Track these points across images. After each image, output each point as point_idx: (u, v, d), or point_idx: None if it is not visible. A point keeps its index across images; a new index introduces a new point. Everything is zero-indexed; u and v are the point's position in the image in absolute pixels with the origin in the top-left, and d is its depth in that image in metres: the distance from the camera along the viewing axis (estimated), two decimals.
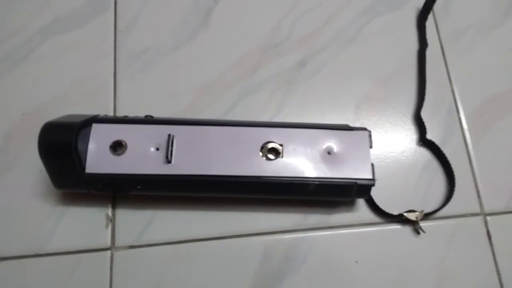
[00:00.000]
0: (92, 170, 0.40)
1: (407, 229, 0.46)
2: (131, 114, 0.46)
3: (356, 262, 0.44)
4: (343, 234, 0.46)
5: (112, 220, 0.45)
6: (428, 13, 0.54)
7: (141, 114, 0.45)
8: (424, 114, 0.50)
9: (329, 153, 0.42)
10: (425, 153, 0.49)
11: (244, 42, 0.53)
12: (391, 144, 0.49)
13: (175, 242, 0.45)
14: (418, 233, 0.45)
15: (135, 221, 0.45)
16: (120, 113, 0.49)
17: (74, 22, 0.53)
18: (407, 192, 0.47)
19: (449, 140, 0.49)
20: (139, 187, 0.42)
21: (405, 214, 0.45)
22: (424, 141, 0.49)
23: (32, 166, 0.46)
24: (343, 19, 0.54)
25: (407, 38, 0.54)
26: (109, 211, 0.45)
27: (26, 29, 0.52)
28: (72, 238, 0.44)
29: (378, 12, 0.55)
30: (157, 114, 0.46)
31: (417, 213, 0.45)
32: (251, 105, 0.50)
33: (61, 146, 0.40)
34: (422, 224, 0.45)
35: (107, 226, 0.45)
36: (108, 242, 0.44)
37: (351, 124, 0.45)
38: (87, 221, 0.45)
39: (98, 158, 0.41)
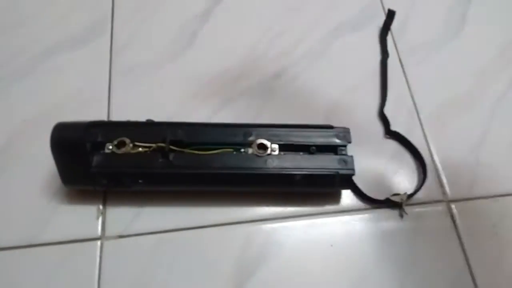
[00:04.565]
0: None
1: (391, 213, 0.50)
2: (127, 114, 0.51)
3: (331, 245, 0.48)
4: (323, 221, 0.49)
5: (103, 213, 0.48)
6: (388, 28, 0.61)
7: (136, 113, 0.50)
8: (388, 113, 0.55)
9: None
10: (391, 144, 0.54)
11: (226, 58, 0.59)
12: (361, 139, 0.53)
13: (161, 232, 0.48)
14: (402, 216, 0.49)
15: (124, 213, 0.48)
16: (116, 112, 0.54)
17: (75, 43, 0.59)
18: (380, 179, 0.51)
19: (411, 136, 0.54)
20: (140, 181, 0.46)
21: (390, 197, 0.49)
22: (389, 133, 0.54)
23: (30, 166, 0.50)
24: (313, 37, 0.62)
25: (369, 53, 0.61)
26: (100, 205, 0.49)
27: (32, 49, 0.58)
28: (65, 229, 0.47)
29: (344, 31, 0.62)
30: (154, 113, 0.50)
31: (401, 195, 0.49)
32: (234, 110, 0.55)
33: (72, 143, 0.44)
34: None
35: (98, 218, 0.48)
36: (98, 233, 0.47)
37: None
38: (80, 214, 0.48)
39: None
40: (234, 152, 0.47)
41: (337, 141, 0.48)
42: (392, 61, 0.60)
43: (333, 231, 0.49)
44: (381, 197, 0.50)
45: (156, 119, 0.50)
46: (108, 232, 0.47)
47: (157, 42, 0.60)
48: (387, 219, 0.49)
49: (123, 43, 0.60)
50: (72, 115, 0.51)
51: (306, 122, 0.52)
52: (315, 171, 0.46)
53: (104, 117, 0.54)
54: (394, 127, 0.54)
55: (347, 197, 0.50)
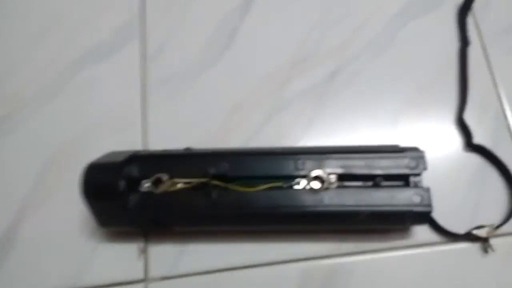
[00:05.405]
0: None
1: (472, 248, 0.42)
2: (162, 141, 0.47)
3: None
4: (390, 258, 0.42)
5: (144, 252, 0.44)
6: (468, 8, 0.50)
7: (172, 142, 0.45)
8: (468, 119, 0.46)
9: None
10: (474, 159, 0.45)
11: (271, 58, 0.51)
12: (436, 152, 0.45)
13: (209, 272, 0.43)
14: (487, 251, 0.41)
15: (167, 252, 0.44)
16: (152, 142, 0.48)
17: (102, 53, 0.53)
18: (459, 204, 0.43)
19: (498, 148, 0.44)
20: (181, 223, 0.42)
21: (474, 231, 0.41)
22: (471, 145, 0.45)
23: (66, 200, 0.46)
24: (374, 26, 0.52)
25: (445, 39, 0.50)
26: (142, 243, 0.45)
27: (56, 63, 0.53)
28: (106, 271, 0.44)
29: (412, 15, 0.52)
30: (189, 140, 0.45)
31: (487, 228, 0.41)
32: (281, 123, 0.48)
33: (105, 187, 0.40)
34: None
35: (139, 258, 0.44)
36: (141, 274, 0.44)
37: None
38: (120, 254, 0.44)
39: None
40: (284, 186, 0.40)
41: (409, 169, 0.39)
42: (474, 51, 0.49)
43: (403, 269, 0.42)
44: (461, 227, 0.42)
45: (197, 142, 0.45)
46: (151, 274, 0.44)
47: (193, 44, 0.53)
48: (468, 255, 0.42)
49: (156, 48, 0.53)
50: (104, 142, 0.47)
51: (368, 136, 0.45)
52: (384, 208, 0.38)
53: (139, 142, 0.48)
54: (477, 138, 0.45)
55: (418, 229, 0.43)
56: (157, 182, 0.41)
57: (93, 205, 0.41)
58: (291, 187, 0.40)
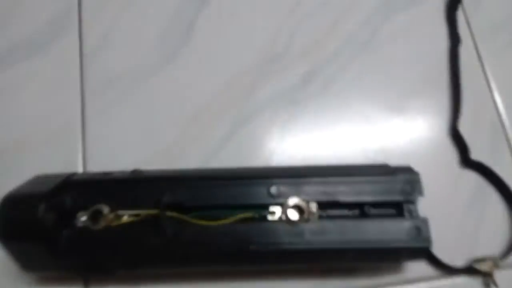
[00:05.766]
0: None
1: (472, 283, 0.37)
2: (103, 161, 0.39)
3: None
4: None
5: None
6: (458, 1, 0.44)
7: (116, 161, 0.38)
8: (463, 129, 0.40)
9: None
10: (470, 176, 0.39)
11: (235, 58, 0.43)
12: (428, 170, 0.39)
13: None
14: (489, 287, 0.36)
15: None
16: (91, 162, 0.40)
17: (33, 48, 0.44)
18: (454, 229, 0.38)
19: (496, 163, 0.39)
20: (127, 267, 0.34)
21: (475, 265, 0.36)
22: (467, 161, 0.39)
23: None
24: (354, 20, 0.45)
25: (433, 36, 0.44)
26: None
27: None
28: None
29: (397, 8, 0.45)
30: (136, 159, 0.38)
31: (489, 262, 0.35)
32: (249, 136, 0.41)
33: (27, 224, 0.31)
34: None
35: None
36: None
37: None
38: None
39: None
40: (256, 216, 0.33)
41: (403, 195, 0.33)
42: (465, 50, 0.43)
43: None
44: (459, 257, 0.37)
45: (146, 162, 0.37)
46: None
47: (141, 40, 0.44)
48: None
49: (96, 43, 0.44)
50: (31, 160, 0.39)
51: (349, 148, 0.39)
52: (374, 245, 0.32)
53: (77, 160, 0.40)
54: (473, 150, 0.39)
55: (413, 263, 0.37)
56: (96, 215, 0.33)
57: (13, 247, 0.32)
58: (264, 218, 0.33)
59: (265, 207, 0.33)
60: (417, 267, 0.37)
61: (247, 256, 0.33)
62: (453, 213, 0.38)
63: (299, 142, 0.41)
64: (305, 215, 0.32)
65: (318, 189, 0.33)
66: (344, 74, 0.43)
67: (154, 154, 0.39)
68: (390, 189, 0.33)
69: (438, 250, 0.35)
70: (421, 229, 0.32)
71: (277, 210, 0.33)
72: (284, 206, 0.33)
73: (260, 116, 0.41)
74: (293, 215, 0.33)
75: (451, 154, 0.40)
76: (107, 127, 0.41)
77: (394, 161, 0.36)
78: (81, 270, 0.34)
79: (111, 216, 0.33)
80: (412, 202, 0.33)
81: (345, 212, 0.34)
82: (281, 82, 0.42)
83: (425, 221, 0.33)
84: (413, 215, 0.33)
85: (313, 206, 0.33)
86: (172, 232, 0.32)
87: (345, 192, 0.33)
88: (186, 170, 0.36)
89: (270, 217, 0.33)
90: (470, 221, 0.38)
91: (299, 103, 0.42)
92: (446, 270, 0.36)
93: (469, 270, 0.36)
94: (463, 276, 0.36)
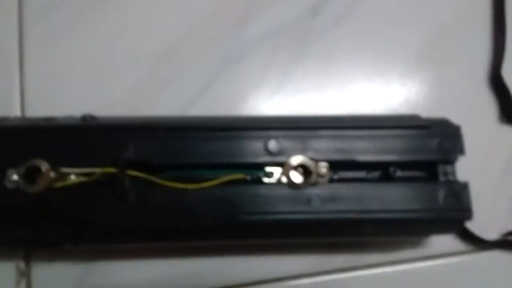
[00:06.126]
0: None
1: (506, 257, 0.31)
2: (46, 103, 0.30)
3: None
4: (396, 273, 0.30)
5: (25, 275, 0.28)
6: None
7: (62, 105, 0.29)
8: (507, 77, 0.33)
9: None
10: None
11: None
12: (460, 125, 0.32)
13: None
14: None
15: (62, 276, 0.28)
16: (31, 100, 0.31)
17: None
18: (489, 197, 0.31)
19: None
20: (75, 241, 0.26)
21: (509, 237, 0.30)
22: (510, 117, 0.33)
23: None
24: None
25: None
26: (21, 262, 0.28)
27: None
28: None
29: None
30: (90, 103, 0.29)
31: None
32: (238, 78, 0.33)
33: None
34: None
35: (18, 284, 0.28)
36: None
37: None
38: None
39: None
40: (248, 179, 0.25)
41: (440, 153, 0.26)
42: None
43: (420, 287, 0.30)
44: (491, 231, 0.31)
45: (102, 107, 0.29)
46: None
47: None
48: (502, 265, 0.31)
49: None
50: None
51: (367, 97, 0.32)
52: (399, 215, 0.25)
53: (13, 101, 0.31)
54: None
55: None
56: (32, 173, 0.25)
57: None
58: (258, 180, 0.25)
59: (261, 166, 0.26)
60: (442, 240, 0.31)
61: (236, 228, 0.25)
62: (488, 178, 0.32)
63: (303, 89, 0.33)
64: (312, 178, 0.25)
65: (330, 145, 0.26)
66: (361, 6, 0.34)
67: (113, 98, 0.31)
68: (424, 146, 0.26)
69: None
70: (460, 197, 0.25)
71: (275, 171, 0.26)
72: (285, 166, 0.25)
73: (254, 54, 0.33)
74: (297, 177, 0.25)
75: (490, 107, 0.33)
76: (52, 62, 0.32)
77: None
78: (16, 243, 0.26)
79: (52, 174, 0.24)
80: (451, 162, 0.26)
81: (364, 174, 0.27)
82: (282, 11, 0.34)
83: (465, 187, 0.26)
84: (450, 178, 0.26)
85: (323, 167, 0.25)
86: (136, 197, 0.24)
87: (364, 149, 0.26)
88: (156, 117, 0.28)
89: (266, 180, 0.25)
90: (507, 187, 0.32)
91: (305, 40, 0.34)
92: (478, 243, 0.30)
93: (504, 243, 0.30)
94: (496, 250, 0.31)
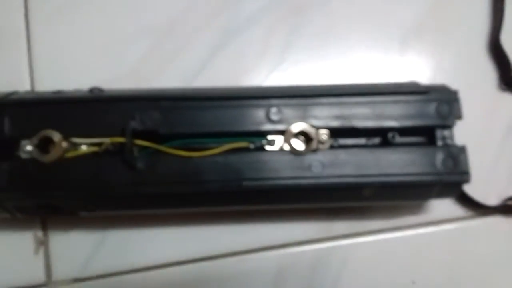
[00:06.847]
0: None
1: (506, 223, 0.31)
2: (55, 76, 0.31)
3: (413, 282, 0.30)
4: (397, 240, 0.31)
5: (43, 244, 0.30)
6: None
7: (71, 77, 0.31)
8: (506, 44, 0.33)
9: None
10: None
11: None
12: (460, 91, 0.32)
13: (140, 270, 0.30)
14: None
15: (78, 244, 0.30)
16: (40, 75, 0.32)
17: None
18: (488, 162, 0.32)
19: None
20: (88, 208, 0.27)
21: (509, 202, 0.31)
22: (509, 83, 0.33)
23: None
24: None
25: None
26: (39, 231, 0.30)
27: None
28: None
29: None
30: (97, 76, 0.31)
31: None
32: (240, 50, 0.33)
33: None
34: None
35: (37, 252, 0.30)
36: (42, 276, 0.30)
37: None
38: (9, 248, 0.30)
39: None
40: (251, 147, 0.26)
41: (438, 118, 0.26)
42: None
43: (416, 253, 0.31)
44: (491, 196, 0.31)
45: (110, 79, 0.30)
46: (56, 274, 0.30)
47: None
48: (503, 231, 0.32)
49: None
50: None
51: (370, 66, 0.33)
52: (399, 179, 0.26)
53: (22, 76, 0.32)
54: None
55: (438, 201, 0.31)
56: (46, 144, 0.26)
57: None
58: (261, 148, 0.26)
59: (263, 134, 0.26)
60: (442, 206, 0.31)
61: (239, 194, 0.26)
62: (487, 144, 0.32)
63: (305, 60, 0.33)
64: (313, 144, 0.26)
65: (330, 112, 0.26)
66: None
67: (119, 72, 0.32)
68: (422, 111, 0.26)
69: (467, 186, 0.29)
70: (458, 160, 0.26)
71: (277, 139, 0.26)
72: (286, 133, 0.26)
73: (255, 26, 0.33)
74: (298, 144, 0.26)
75: (490, 73, 0.33)
76: (59, 38, 0.32)
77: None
78: (32, 212, 0.27)
79: (65, 144, 0.25)
80: (448, 126, 0.26)
81: (363, 140, 0.27)
82: None
83: (462, 150, 0.26)
84: (448, 142, 0.26)
85: (323, 133, 0.26)
86: (144, 165, 0.25)
87: (363, 115, 0.26)
88: (161, 89, 0.28)
89: (268, 147, 0.26)
90: (507, 153, 0.32)
91: (306, 10, 0.34)
92: (478, 209, 0.31)
93: (504, 208, 0.31)
94: (496, 216, 0.31)
